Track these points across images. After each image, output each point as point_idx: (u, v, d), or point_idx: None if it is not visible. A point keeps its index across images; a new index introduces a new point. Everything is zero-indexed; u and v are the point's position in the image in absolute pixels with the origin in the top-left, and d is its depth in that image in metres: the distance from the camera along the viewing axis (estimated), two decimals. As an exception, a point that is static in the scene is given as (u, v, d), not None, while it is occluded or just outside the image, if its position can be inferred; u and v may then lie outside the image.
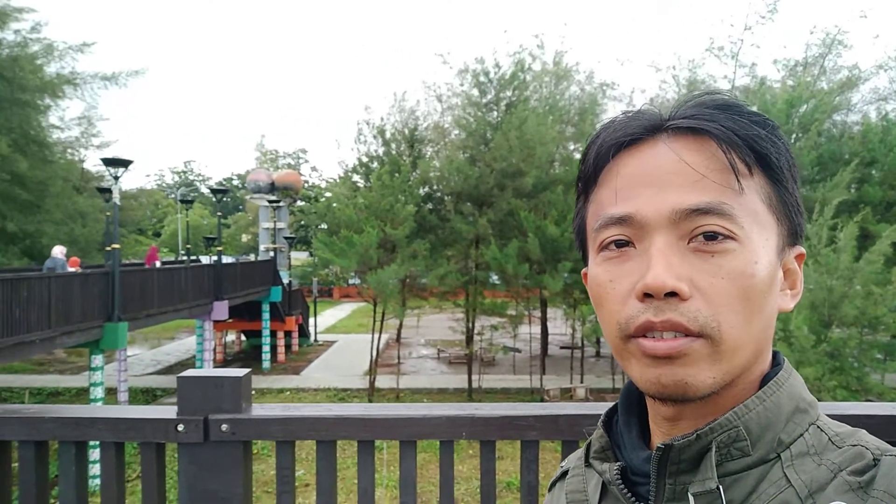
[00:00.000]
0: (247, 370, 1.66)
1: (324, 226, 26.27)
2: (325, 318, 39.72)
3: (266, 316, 25.45)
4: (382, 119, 22.75)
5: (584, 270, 0.68)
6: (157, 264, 19.71)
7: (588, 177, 0.63)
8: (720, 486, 0.54)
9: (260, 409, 1.62)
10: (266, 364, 24.67)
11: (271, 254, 31.27)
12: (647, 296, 0.55)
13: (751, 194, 0.57)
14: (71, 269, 14.83)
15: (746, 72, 23.55)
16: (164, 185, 79.76)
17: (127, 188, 37.55)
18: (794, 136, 19.00)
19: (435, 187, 22.98)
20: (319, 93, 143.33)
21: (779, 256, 0.59)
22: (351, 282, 33.31)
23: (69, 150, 24.36)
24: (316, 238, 23.96)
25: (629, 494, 0.61)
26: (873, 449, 0.53)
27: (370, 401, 19.18)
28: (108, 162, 14.69)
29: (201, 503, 1.57)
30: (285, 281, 28.04)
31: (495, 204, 20.47)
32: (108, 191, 15.95)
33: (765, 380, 0.59)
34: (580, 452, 0.71)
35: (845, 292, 11.20)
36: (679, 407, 0.58)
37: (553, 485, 0.75)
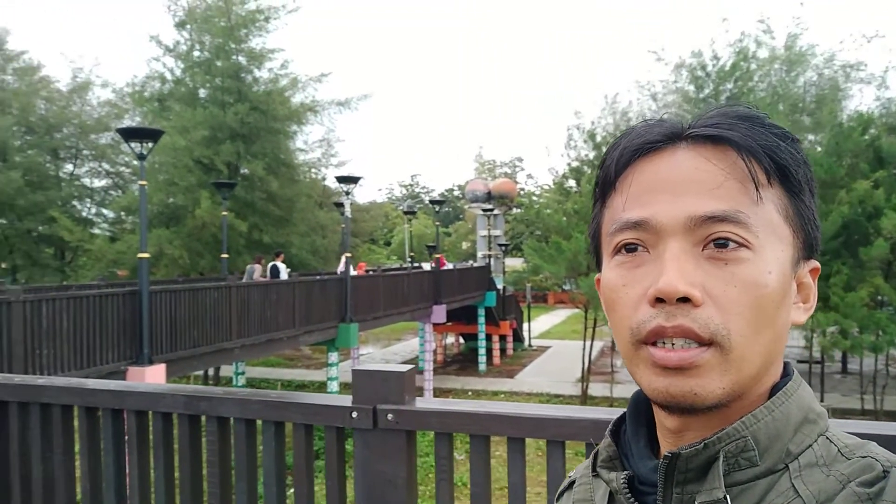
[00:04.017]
0: (410, 367, 1.84)
1: (537, 232, 26.59)
2: (540, 323, 40.04)
3: (481, 320, 26.40)
4: (593, 123, 22.51)
5: (596, 276, 0.69)
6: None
7: (606, 182, 0.64)
8: (727, 496, 0.53)
9: (421, 402, 1.79)
10: (482, 367, 25.58)
11: (486, 260, 32.34)
12: (659, 301, 0.55)
13: (768, 205, 0.56)
14: (353, 273, 16.95)
15: None
16: (393, 197, 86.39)
17: (360, 202, 41.29)
18: None
19: (649, 189, 22.14)
20: (535, 100, 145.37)
21: (793, 269, 0.59)
22: (565, 288, 33.25)
23: (312, 170, 27.51)
24: (526, 244, 24.34)
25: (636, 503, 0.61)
26: (883, 461, 0.52)
27: (583, 408, 18.94)
28: (341, 179, 16.45)
29: (372, 483, 1.77)
30: (499, 286, 28.85)
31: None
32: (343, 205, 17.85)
33: (774, 390, 0.58)
34: (588, 462, 0.71)
35: None
36: (686, 417, 0.58)
37: (560, 495, 0.74)
